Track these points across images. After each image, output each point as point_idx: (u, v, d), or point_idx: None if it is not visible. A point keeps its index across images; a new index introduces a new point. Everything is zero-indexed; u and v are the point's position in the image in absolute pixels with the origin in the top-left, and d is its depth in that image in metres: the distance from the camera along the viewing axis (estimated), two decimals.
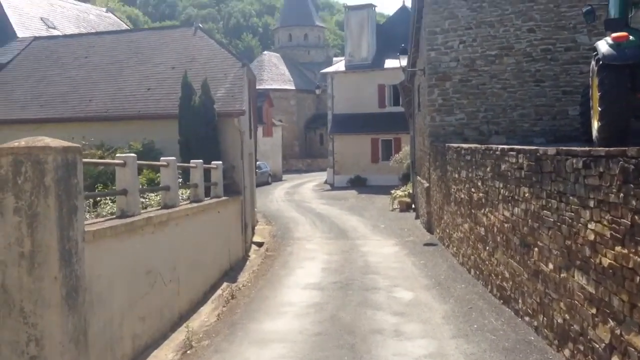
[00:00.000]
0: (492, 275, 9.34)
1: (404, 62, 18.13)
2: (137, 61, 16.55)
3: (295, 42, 60.22)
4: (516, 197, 7.85)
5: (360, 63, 35.64)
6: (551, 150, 6.44)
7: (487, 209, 9.61)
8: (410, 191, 22.32)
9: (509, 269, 8.34)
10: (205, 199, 11.35)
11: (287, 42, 60.38)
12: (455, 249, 12.72)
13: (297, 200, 27.01)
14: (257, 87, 47.38)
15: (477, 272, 10.42)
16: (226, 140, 14.04)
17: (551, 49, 15.00)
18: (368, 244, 15.17)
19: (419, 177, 19.63)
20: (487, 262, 9.69)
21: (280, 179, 39.84)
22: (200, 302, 9.62)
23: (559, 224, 6.25)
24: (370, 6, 36.66)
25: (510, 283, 8.26)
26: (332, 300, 9.34)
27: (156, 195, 10.49)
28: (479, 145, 10.28)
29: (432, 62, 15.82)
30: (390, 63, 33.44)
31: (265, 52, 57.61)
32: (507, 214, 8.36)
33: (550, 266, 6.60)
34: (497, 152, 8.75)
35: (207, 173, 12.59)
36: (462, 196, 11.69)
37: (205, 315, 8.87)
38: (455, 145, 12.73)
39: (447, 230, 13.67)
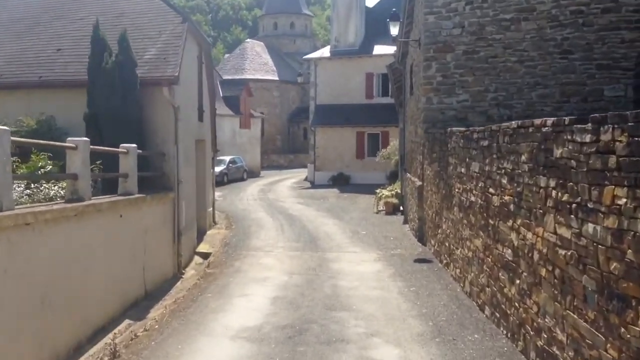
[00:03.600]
0: (528, 327, 5.84)
1: (395, 31, 14.60)
2: (53, 16, 12.83)
3: (280, 31, 56.30)
4: (590, 205, 4.35)
5: (346, 49, 32.11)
6: None
7: (518, 221, 6.12)
8: (399, 191, 18.87)
9: (567, 329, 4.84)
10: (98, 197, 7.75)
11: (272, 30, 56.46)
12: (458, 270, 9.25)
13: (270, 199, 23.50)
14: (238, 77, 44.25)
15: (497, 314, 6.93)
16: (154, 118, 10.44)
17: (584, 11, 11.75)
18: (342, 258, 11.62)
19: (409, 175, 16.17)
20: (517, 304, 6.20)
21: (257, 175, 36.23)
22: None
23: None
24: None
25: (571, 354, 4.75)
26: None
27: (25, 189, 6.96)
28: (506, 124, 6.78)
29: (431, 29, 12.48)
30: (379, 49, 30.13)
31: (248, 40, 53.75)
32: (565, 232, 4.86)
33: None
34: (546, 129, 5.25)
35: (115, 160, 9.04)
36: (472, 199, 8.22)
37: None
38: (463, 129, 9.25)
39: (447, 244, 10.20)
